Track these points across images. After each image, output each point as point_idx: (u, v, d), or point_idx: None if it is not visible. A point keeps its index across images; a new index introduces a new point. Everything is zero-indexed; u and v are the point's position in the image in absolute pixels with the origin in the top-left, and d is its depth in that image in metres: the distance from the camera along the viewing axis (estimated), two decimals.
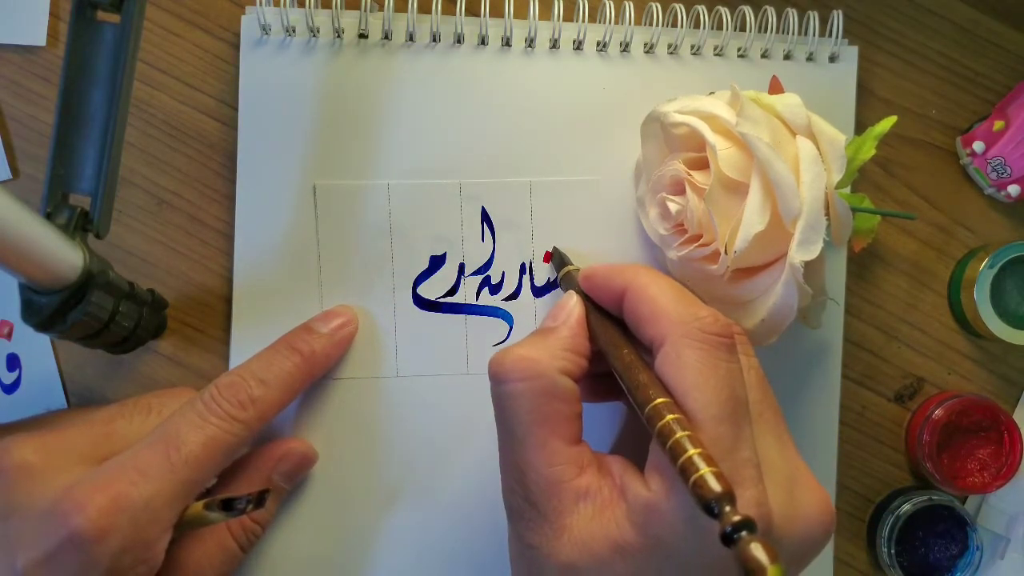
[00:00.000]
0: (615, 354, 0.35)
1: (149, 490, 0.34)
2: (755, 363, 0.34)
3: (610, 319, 0.37)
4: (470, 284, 0.44)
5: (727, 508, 0.27)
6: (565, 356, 0.34)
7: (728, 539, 0.26)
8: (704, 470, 0.28)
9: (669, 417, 0.30)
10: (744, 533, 0.26)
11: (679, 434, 0.29)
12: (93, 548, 0.33)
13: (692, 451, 0.28)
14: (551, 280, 0.45)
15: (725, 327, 0.32)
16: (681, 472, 0.28)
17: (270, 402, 0.39)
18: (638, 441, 0.37)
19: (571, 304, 0.37)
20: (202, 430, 0.37)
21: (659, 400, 0.31)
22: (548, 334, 0.36)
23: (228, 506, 0.35)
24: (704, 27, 0.44)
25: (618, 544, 0.31)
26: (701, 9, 0.44)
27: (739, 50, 0.45)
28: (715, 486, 0.27)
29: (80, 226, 0.36)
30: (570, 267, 0.41)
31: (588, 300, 0.38)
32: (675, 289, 0.34)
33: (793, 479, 0.32)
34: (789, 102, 0.39)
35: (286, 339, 0.41)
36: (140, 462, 0.35)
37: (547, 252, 0.44)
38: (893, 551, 0.45)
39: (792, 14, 0.44)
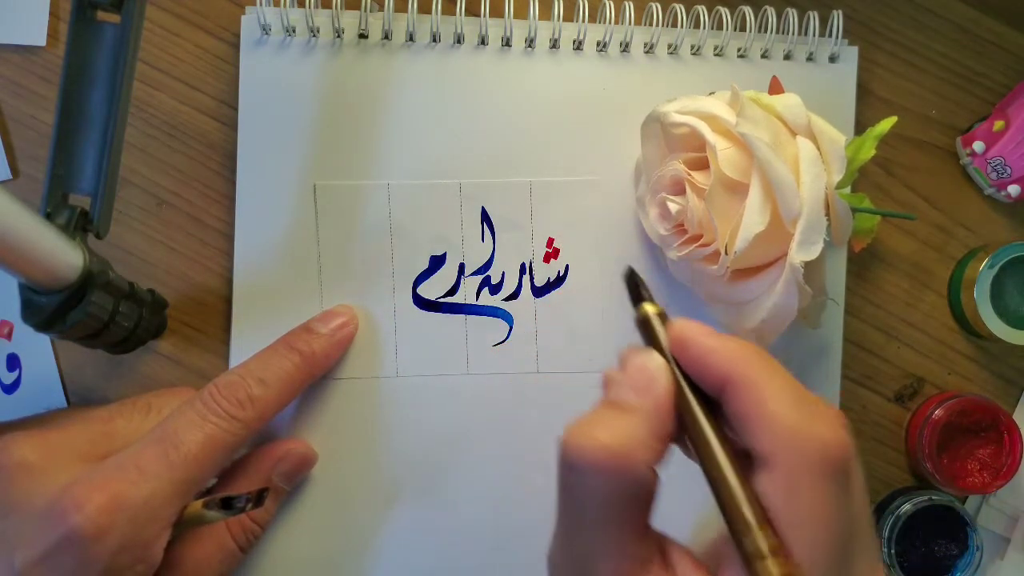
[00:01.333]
0: (706, 452, 0.29)
1: (148, 489, 0.34)
2: (860, 474, 0.30)
3: (699, 395, 0.30)
4: (470, 284, 0.44)
5: None
6: (653, 447, 0.29)
7: None
8: None
9: (776, 572, 0.26)
10: None
11: None
12: (91, 547, 0.33)
13: None
14: (551, 280, 0.45)
15: (846, 448, 0.27)
16: None
17: (269, 402, 0.39)
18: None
19: (657, 377, 0.30)
20: (201, 429, 0.36)
21: (764, 542, 0.27)
22: (633, 415, 0.29)
23: (227, 505, 0.36)
24: (704, 27, 0.44)
25: None
26: (701, 9, 0.44)
27: (739, 50, 0.45)
28: None
29: (80, 226, 0.36)
30: (649, 307, 0.31)
31: (674, 363, 0.30)
32: (790, 389, 0.28)
33: None
34: (789, 102, 0.39)
35: (286, 339, 0.41)
36: (139, 461, 0.35)
37: (627, 273, 0.33)
38: (893, 551, 0.45)
39: (792, 14, 0.44)
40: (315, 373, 0.42)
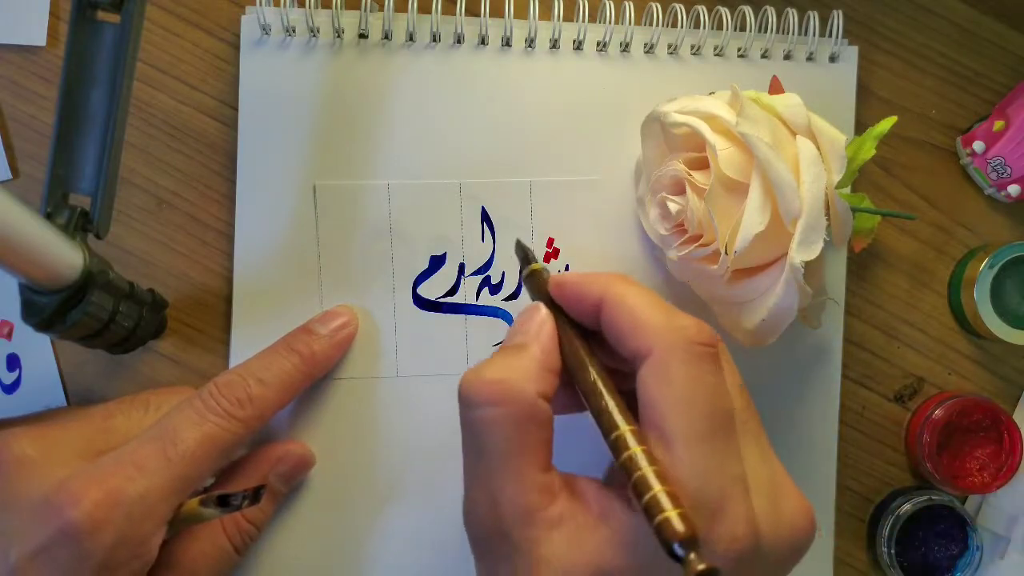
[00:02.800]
0: (580, 375, 0.33)
1: (144, 485, 0.34)
2: (735, 369, 0.34)
3: (575, 330, 0.34)
4: (470, 284, 0.44)
5: (691, 556, 0.26)
6: (540, 376, 0.32)
7: None
8: (669, 511, 0.27)
9: (635, 448, 0.29)
10: None
11: (644, 469, 0.28)
12: (86, 541, 0.33)
13: (657, 488, 0.27)
14: None
15: (710, 336, 0.31)
16: (645, 511, 0.27)
17: (269, 401, 0.39)
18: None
19: (541, 317, 0.34)
20: (199, 427, 0.37)
21: (625, 428, 0.30)
22: (520, 352, 0.33)
23: (224, 502, 0.35)
24: (704, 27, 0.44)
25: (603, 570, 0.29)
26: (701, 9, 0.44)
27: (739, 50, 0.45)
28: (679, 528, 0.26)
29: (80, 226, 0.36)
30: (535, 266, 0.37)
31: (554, 308, 0.35)
32: (654, 298, 0.33)
33: (777, 487, 0.32)
34: (789, 102, 0.39)
35: (286, 340, 0.41)
36: (137, 457, 0.35)
37: (516, 243, 0.39)
38: (893, 551, 0.45)
39: (792, 14, 0.44)
40: (315, 374, 0.42)
